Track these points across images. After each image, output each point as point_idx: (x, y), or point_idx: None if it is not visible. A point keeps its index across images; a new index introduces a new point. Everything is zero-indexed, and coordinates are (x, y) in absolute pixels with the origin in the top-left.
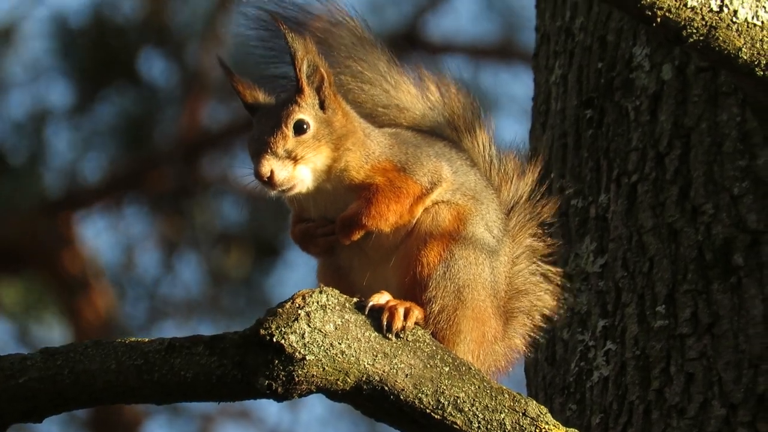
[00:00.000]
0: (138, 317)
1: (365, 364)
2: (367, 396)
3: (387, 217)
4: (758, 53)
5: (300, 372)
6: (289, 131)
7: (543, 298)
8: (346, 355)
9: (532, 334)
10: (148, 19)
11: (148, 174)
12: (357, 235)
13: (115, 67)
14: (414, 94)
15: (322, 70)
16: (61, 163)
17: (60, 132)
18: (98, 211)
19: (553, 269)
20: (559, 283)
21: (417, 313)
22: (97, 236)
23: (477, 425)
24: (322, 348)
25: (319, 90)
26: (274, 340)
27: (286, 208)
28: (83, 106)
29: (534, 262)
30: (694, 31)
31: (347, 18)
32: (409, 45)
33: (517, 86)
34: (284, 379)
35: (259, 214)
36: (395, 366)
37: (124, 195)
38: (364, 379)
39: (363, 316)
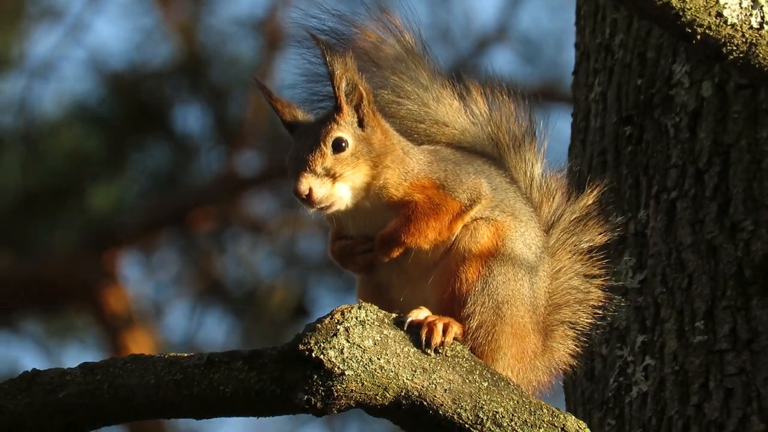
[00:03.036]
0: None
1: (404, 379)
2: (406, 411)
3: (426, 235)
4: None
5: (339, 387)
6: (328, 149)
7: (584, 308)
8: (385, 370)
9: (573, 344)
10: (184, 65)
11: (185, 216)
12: (396, 253)
13: (151, 114)
14: (456, 108)
15: (361, 87)
16: (99, 205)
17: (97, 175)
18: (137, 251)
19: (593, 284)
20: (600, 296)
21: (456, 329)
22: (138, 276)
23: None
24: (361, 363)
25: (357, 108)
26: (313, 355)
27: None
28: (119, 153)
29: (574, 277)
30: (734, 48)
31: (399, 30)
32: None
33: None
34: (323, 394)
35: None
36: (434, 381)
37: (162, 236)
38: (403, 394)
39: (402, 332)
